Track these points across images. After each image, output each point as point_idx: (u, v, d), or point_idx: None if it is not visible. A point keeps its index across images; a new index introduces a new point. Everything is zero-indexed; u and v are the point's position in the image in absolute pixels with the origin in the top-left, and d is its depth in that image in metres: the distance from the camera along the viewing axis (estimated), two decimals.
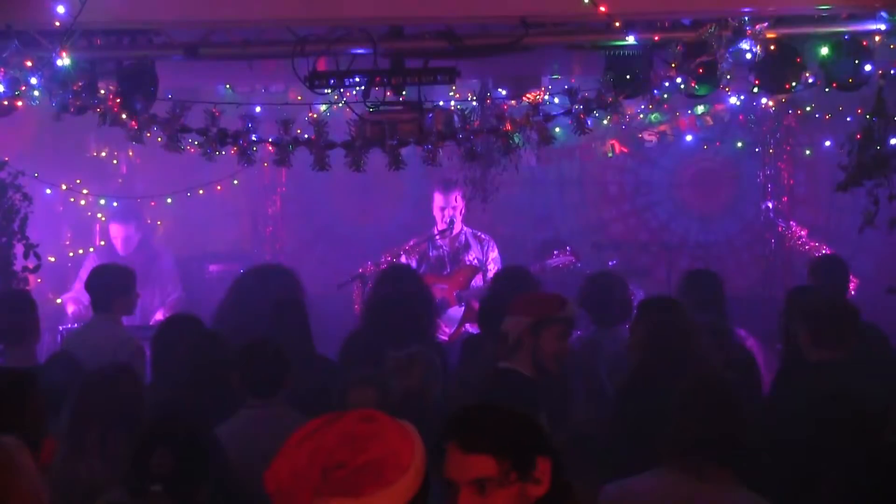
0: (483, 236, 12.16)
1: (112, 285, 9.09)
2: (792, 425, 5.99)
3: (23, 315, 8.32)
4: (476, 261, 11.94)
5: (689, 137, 13.70)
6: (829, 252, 12.18)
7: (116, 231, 12.20)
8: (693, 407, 5.58)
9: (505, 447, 3.87)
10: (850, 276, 9.86)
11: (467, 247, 12.03)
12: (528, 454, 3.90)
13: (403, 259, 11.89)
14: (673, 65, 8.79)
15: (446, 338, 10.89)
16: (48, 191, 12.21)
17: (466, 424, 3.94)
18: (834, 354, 7.05)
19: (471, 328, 10.41)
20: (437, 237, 12.00)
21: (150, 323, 11.14)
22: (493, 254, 12.05)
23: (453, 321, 11.27)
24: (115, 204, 13.09)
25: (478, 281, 11.59)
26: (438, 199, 12.07)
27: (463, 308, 11.30)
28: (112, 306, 9.04)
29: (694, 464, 5.36)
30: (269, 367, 6.91)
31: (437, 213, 12.08)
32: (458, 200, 11.81)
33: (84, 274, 10.52)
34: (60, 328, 10.77)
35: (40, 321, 8.52)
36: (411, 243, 12.08)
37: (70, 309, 11.44)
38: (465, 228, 12.12)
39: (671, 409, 5.63)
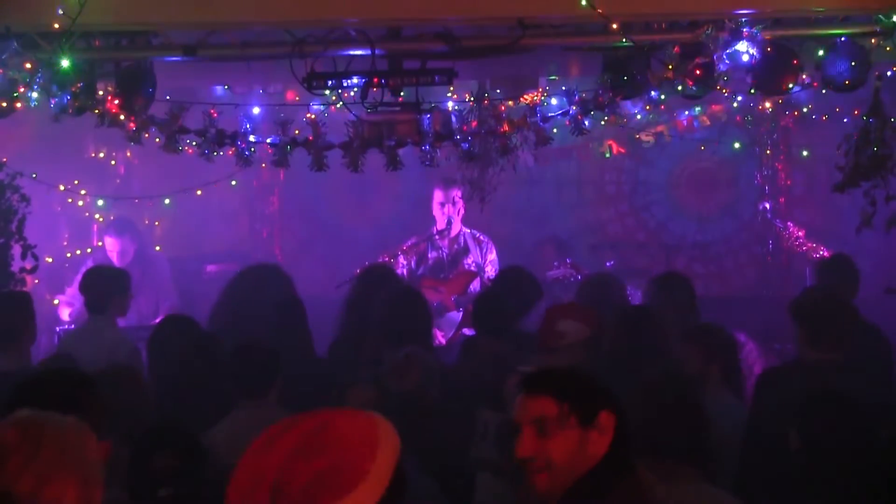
0: (482, 238, 12.13)
1: (107, 287, 9.10)
2: (785, 426, 5.99)
3: (19, 316, 8.31)
4: (474, 265, 11.91)
5: (686, 138, 13.70)
6: (830, 252, 12.15)
7: (112, 244, 12.08)
8: (649, 405, 5.60)
9: (566, 391, 4.06)
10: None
11: (466, 250, 12.00)
12: (591, 402, 4.06)
13: (402, 259, 11.89)
14: (670, 66, 8.80)
15: (444, 341, 10.87)
16: (46, 192, 12.22)
17: (534, 373, 4.22)
18: (830, 355, 7.05)
19: (468, 332, 10.41)
20: (437, 237, 11.99)
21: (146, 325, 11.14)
22: (492, 256, 12.03)
23: (451, 325, 11.26)
24: (112, 202, 13.11)
25: (475, 286, 11.58)
26: (438, 195, 12.04)
27: (461, 313, 11.29)
28: (107, 308, 9.05)
29: (653, 461, 5.36)
30: (259, 368, 6.92)
31: (436, 211, 12.04)
32: (457, 199, 11.80)
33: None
34: (57, 329, 10.76)
35: (37, 323, 8.52)
36: (409, 243, 12.07)
37: (65, 313, 11.40)
38: (464, 229, 12.10)
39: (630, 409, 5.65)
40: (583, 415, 4.02)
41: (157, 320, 10.98)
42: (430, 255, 12.03)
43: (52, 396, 4.91)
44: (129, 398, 6.55)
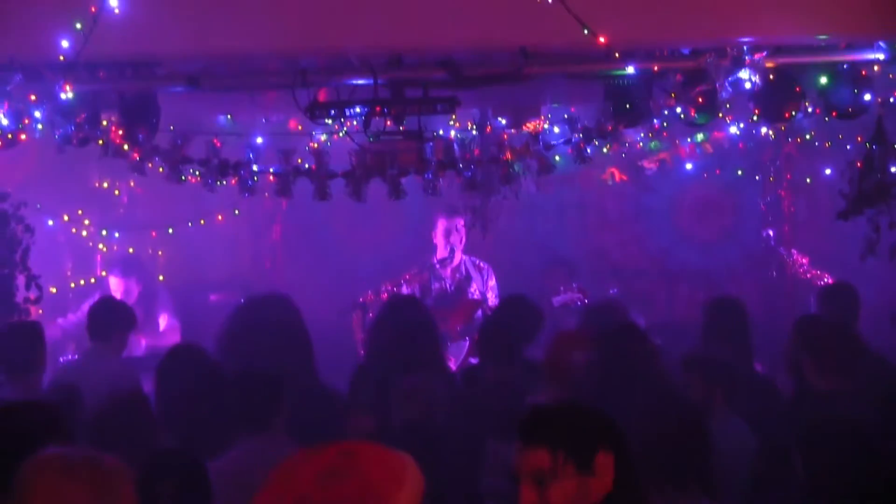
0: (482, 265, 12.13)
1: (116, 320, 9.14)
2: (791, 453, 6.00)
3: (30, 347, 8.32)
4: (478, 293, 11.92)
5: (689, 165, 13.70)
6: (833, 280, 12.16)
7: (116, 284, 12.10)
8: (652, 429, 5.64)
9: (559, 439, 3.99)
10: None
11: (469, 279, 11.99)
12: (586, 446, 4.00)
13: (405, 289, 11.87)
14: (672, 94, 8.83)
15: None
16: (50, 222, 12.23)
17: (528, 420, 4.10)
18: (839, 384, 7.05)
19: (474, 361, 10.43)
20: (438, 266, 11.98)
21: (139, 354, 11.17)
22: (492, 282, 12.03)
23: (458, 355, 11.26)
24: (116, 235, 13.14)
25: (479, 314, 11.58)
26: (441, 223, 12.05)
27: (467, 342, 11.31)
28: (111, 339, 9.06)
29: (658, 484, 5.36)
30: (262, 398, 6.89)
31: (439, 239, 12.05)
32: (460, 227, 11.81)
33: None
34: (61, 359, 10.74)
35: (46, 353, 8.53)
36: (411, 273, 12.06)
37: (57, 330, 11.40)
38: (464, 258, 12.10)
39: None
40: (578, 462, 3.97)
41: (162, 343, 11.07)
42: (433, 287, 12.02)
43: (14, 429, 4.94)
44: (135, 426, 6.55)
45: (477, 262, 12.14)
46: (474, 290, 11.93)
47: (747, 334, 8.59)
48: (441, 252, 12.00)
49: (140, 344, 11.56)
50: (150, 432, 6.63)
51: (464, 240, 11.95)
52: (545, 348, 7.69)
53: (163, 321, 12.10)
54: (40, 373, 8.42)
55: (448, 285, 12.01)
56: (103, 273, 13.04)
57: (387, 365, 8.28)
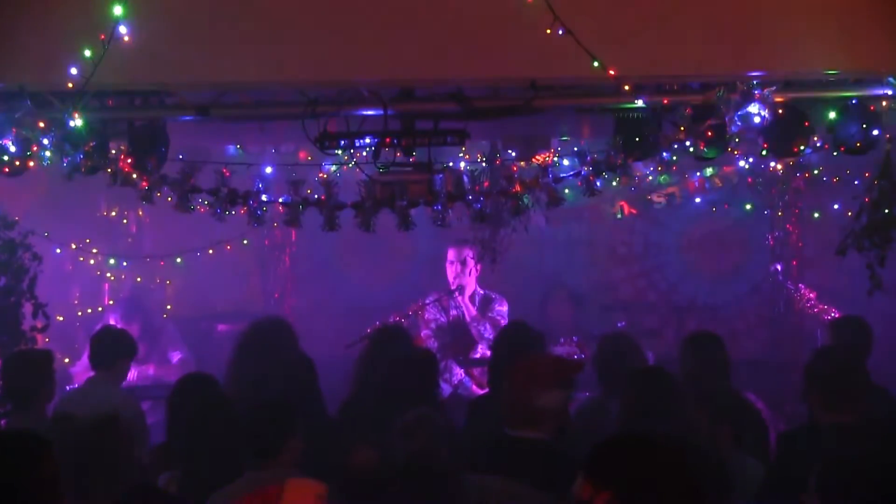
0: (493, 296, 12.12)
1: (118, 347, 9.13)
2: (801, 489, 5.96)
3: (37, 376, 8.31)
4: (498, 315, 11.90)
5: (697, 199, 13.71)
6: (840, 314, 12.13)
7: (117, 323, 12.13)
8: None
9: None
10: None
11: (479, 309, 11.98)
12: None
13: (429, 318, 11.91)
14: (682, 127, 8.81)
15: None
16: (58, 250, 12.24)
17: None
18: (845, 417, 7.03)
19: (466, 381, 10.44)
20: (457, 294, 11.97)
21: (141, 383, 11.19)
22: (502, 308, 12.00)
23: (450, 382, 11.26)
24: (124, 264, 13.16)
25: (478, 351, 11.60)
26: (451, 254, 12.09)
27: (463, 373, 11.33)
28: (114, 367, 9.05)
29: None
30: (270, 429, 6.86)
31: (449, 270, 12.07)
32: (469, 259, 11.80)
33: None
34: (67, 388, 10.71)
35: (55, 383, 8.51)
36: (431, 298, 12.07)
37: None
38: (478, 289, 12.10)
39: None
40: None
41: (160, 370, 11.07)
42: (451, 313, 12.02)
43: (5, 458, 4.96)
44: (114, 452, 6.48)
45: (490, 294, 12.12)
46: (482, 322, 11.89)
47: (727, 369, 8.52)
48: (452, 283, 12.01)
49: (147, 374, 11.56)
50: (125, 457, 6.57)
51: (475, 271, 11.95)
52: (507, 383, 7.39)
53: (174, 356, 12.07)
54: (46, 402, 8.41)
55: (462, 312, 11.99)
56: (111, 301, 13.05)
57: (380, 398, 8.26)
